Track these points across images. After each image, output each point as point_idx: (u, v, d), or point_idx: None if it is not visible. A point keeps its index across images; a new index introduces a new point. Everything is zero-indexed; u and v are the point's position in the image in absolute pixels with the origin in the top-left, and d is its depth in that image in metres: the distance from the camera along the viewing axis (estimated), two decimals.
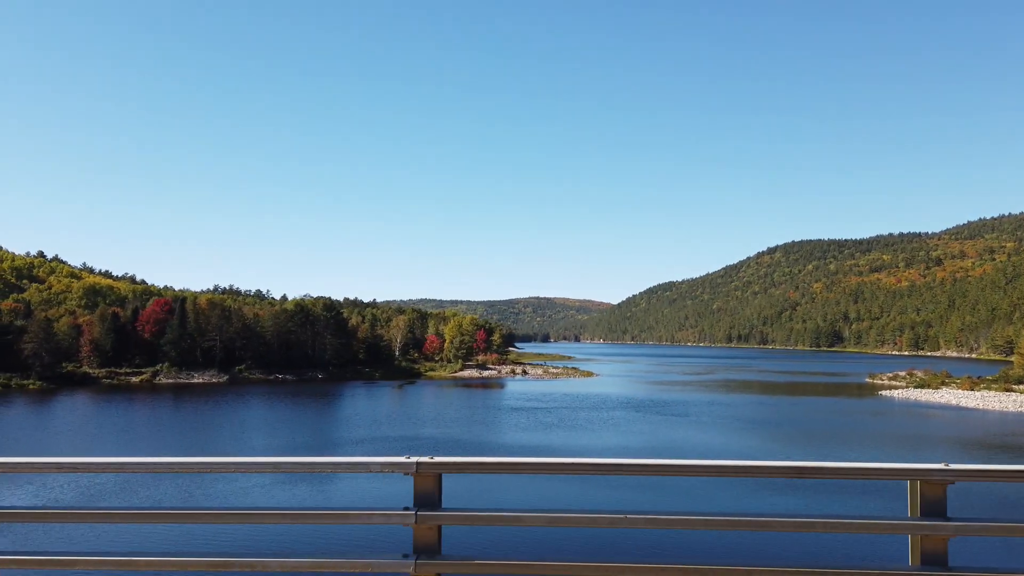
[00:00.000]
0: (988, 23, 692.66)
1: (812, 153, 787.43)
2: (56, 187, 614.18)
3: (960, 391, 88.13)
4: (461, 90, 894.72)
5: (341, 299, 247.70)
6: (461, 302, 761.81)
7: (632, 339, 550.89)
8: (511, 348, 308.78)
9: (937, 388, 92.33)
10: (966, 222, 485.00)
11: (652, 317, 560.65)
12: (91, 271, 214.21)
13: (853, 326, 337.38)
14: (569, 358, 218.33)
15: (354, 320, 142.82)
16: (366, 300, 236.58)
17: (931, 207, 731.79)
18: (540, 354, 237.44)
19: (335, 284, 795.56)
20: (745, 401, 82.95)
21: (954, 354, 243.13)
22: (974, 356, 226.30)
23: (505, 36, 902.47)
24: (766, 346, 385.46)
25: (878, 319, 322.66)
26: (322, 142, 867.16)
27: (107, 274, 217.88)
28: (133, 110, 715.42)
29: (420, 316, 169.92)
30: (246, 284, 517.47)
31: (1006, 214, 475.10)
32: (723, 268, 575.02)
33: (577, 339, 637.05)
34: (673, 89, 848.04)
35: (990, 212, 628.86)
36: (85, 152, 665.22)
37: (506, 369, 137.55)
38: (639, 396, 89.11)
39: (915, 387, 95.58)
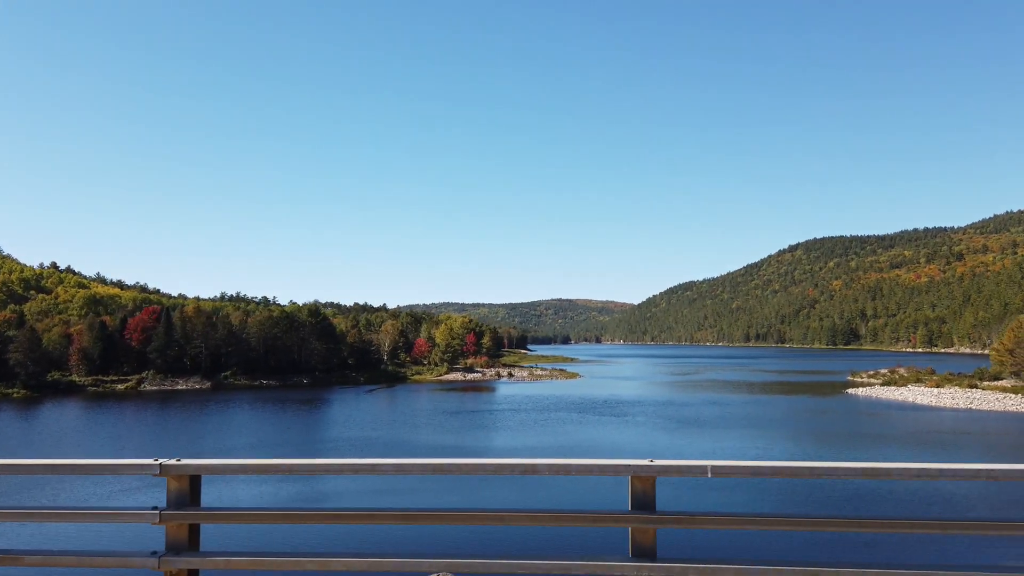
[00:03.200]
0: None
1: (837, 149, 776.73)
2: (74, 199, 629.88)
3: (923, 388, 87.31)
4: (480, 98, 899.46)
5: (351, 304, 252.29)
6: (483, 305, 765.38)
7: (652, 340, 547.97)
8: (524, 350, 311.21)
9: (902, 386, 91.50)
10: (992, 215, 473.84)
11: (672, 317, 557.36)
12: (103, 281, 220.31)
13: (870, 323, 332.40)
14: (569, 360, 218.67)
15: (343, 325, 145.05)
16: (390, 305, 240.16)
17: (959, 201, 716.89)
18: (544, 356, 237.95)
19: (357, 290, 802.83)
20: (698, 400, 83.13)
21: (967, 350, 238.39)
22: (986, 352, 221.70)
23: (529, 47, 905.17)
24: (783, 345, 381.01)
25: (894, 316, 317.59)
26: (342, 151, 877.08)
27: (119, 284, 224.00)
28: (143, 124, 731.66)
29: (414, 320, 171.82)
30: (260, 291, 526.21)
31: None
32: (744, 267, 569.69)
33: (598, 340, 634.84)
34: (697, 91, 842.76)
35: (1016, 205, 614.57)
36: (101, 165, 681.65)
37: (492, 372, 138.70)
38: (599, 396, 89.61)
39: (882, 385, 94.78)
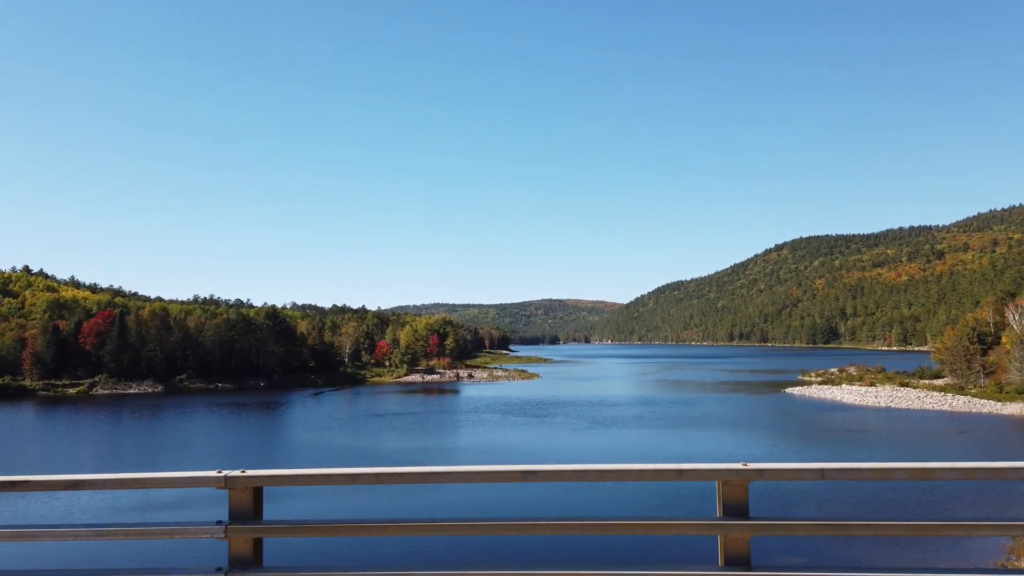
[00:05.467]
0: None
1: (828, 147, 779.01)
2: (51, 202, 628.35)
3: (853, 387, 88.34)
4: (471, 100, 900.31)
5: (329, 306, 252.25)
6: (473, 305, 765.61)
7: (639, 339, 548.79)
8: (504, 351, 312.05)
9: (837, 385, 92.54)
10: (976, 214, 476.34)
11: (659, 317, 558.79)
12: (77, 284, 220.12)
13: (849, 322, 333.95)
14: (543, 360, 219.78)
15: (305, 327, 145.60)
16: (382, 306, 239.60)
17: (949, 199, 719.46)
18: (519, 357, 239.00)
19: (347, 292, 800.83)
20: (628, 400, 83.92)
21: None
22: None
23: (519, 47, 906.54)
24: (765, 344, 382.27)
25: (873, 315, 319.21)
26: (331, 152, 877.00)
27: (93, 287, 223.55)
28: (124, 125, 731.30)
29: (381, 322, 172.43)
30: (248, 293, 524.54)
31: (1016, 205, 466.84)
32: (731, 266, 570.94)
33: (587, 340, 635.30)
34: (686, 91, 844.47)
35: (1001, 203, 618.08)
36: (78, 168, 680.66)
37: (451, 373, 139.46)
38: (539, 397, 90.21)
39: (819, 384, 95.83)
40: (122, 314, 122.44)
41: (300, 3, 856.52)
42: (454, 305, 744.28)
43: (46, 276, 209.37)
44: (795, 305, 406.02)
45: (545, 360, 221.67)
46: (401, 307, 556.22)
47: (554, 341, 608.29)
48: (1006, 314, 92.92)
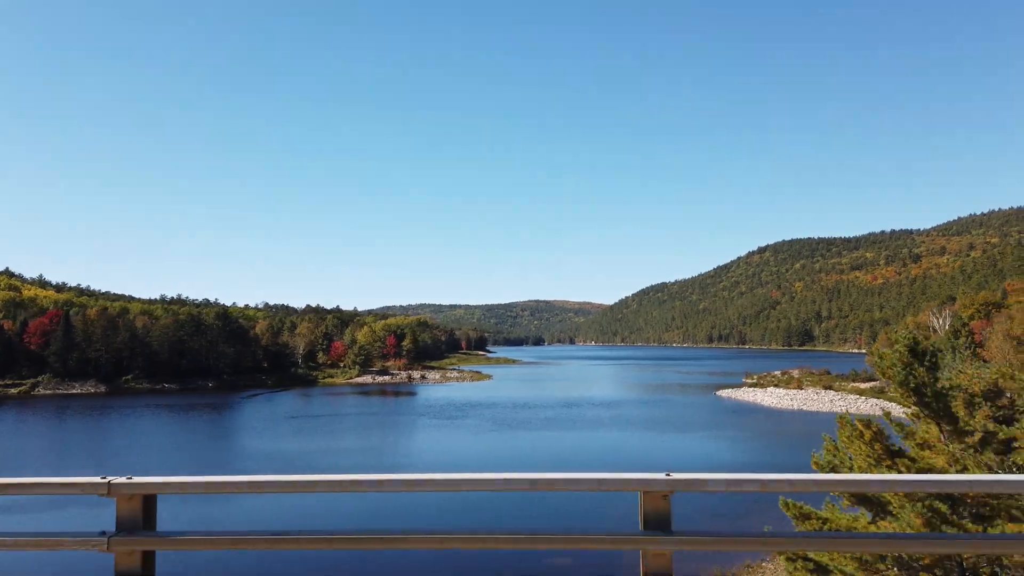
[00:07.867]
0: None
1: (810, 150, 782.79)
2: (32, 201, 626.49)
3: (777, 390, 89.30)
4: (459, 104, 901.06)
5: (302, 306, 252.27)
6: (460, 306, 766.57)
7: (623, 340, 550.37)
8: (481, 352, 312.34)
9: (765, 388, 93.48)
10: (956, 218, 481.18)
11: (642, 318, 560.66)
12: (44, 284, 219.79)
13: (823, 325, 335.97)
14: (513, 361, 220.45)
15: (261, 327, 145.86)
16: (367, 307, 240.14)
17: (930, 204, 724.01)
18: (490, 358, 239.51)
19: (334, 293, 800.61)
20: (554, 402, 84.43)
21: None
22: None
23: (506, 51, 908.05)
24: (743, 346, 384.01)
25: (846, 317, 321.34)
26: (319, 152, 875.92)
27: (60, 286, 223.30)
28: (120, 129, 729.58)
29: (341, 323, 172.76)
30: (227, 295, 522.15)
31: (995, 209, 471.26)
32: (714, 269, 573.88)
33: (572, 341, 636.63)
34: (673, 96, 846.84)
35: (982, 207, 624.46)
36: (63, 168, 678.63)
37: (404, 375, 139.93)
38: (473, 399, 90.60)
39: (749, 387, 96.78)
40: (67, 313, 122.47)
41: (265, 8, 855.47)
42: (440, 306, 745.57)
43: (11, 275, 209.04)
44: (773, 307, 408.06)
45: (515, 361, 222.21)
46: (388, 308, 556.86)
47: (539, 342, 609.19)
48: (931, 319, 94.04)
